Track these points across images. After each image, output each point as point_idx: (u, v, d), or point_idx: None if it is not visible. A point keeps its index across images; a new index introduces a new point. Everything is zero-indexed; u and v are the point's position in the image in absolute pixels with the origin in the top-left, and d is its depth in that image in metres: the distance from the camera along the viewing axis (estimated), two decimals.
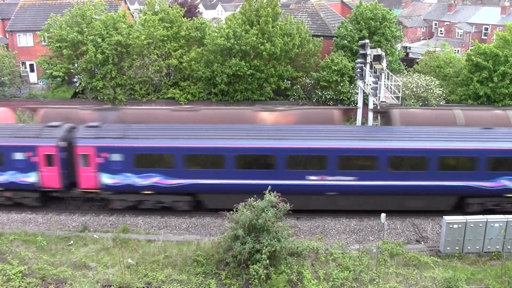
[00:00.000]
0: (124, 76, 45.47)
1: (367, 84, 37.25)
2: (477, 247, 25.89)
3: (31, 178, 30.36)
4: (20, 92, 51.62)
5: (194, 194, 30.49)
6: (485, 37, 77.62)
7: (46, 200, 31.57)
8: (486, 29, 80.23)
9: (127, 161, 29.58)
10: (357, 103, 42.28)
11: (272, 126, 32.54)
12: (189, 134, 30.40)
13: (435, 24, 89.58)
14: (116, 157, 29.63)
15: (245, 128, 31.41)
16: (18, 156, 30.20)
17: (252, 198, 24.00)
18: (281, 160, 29.37)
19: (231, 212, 23.97)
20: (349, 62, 44.99)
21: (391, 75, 38.74)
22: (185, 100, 45.52)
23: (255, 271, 22.15)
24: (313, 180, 29.53)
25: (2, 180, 30.65)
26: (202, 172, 29.78)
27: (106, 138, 29.99)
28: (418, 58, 56.77)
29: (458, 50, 72.50)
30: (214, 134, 30.30)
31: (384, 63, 36.03)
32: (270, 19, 44.27)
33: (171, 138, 30.06)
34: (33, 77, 57.99)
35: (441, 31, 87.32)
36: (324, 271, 24.22)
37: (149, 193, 30.21)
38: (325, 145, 29.35)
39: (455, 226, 25.49)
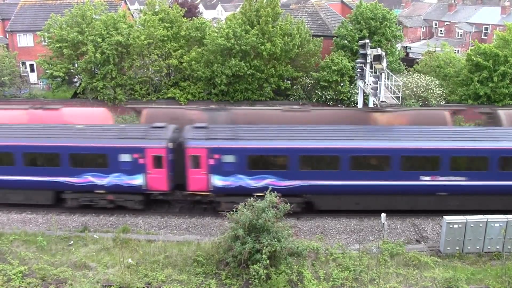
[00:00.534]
0: (124, 76, 45.49)
1: (367, 84, 37.26)
2: (477, 247, 25.88)
3: (137, 180, 29.61)
4: (20, 92, 51.63)
5: (304, 196, 30.12)
6: (485, 37, 77.62)
7: (148, 202, 31.01)
8: (486, 29, 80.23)
9: (239, 162, 29.11)
10: (357, 103, 42.33)
11: (385, 127, 32.59)
12: (302, 135, 30.12)
13: (435, 24, 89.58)
14: (228, 158, 29.11)
15: (358, 129, 31.43)
16: (125, 157, 29.43)
17: (252, 198, 24.02)
18: (396, 161, 29.30)
19: (231, 212, 23.99)
20: (349, 62, 45.00)
21: (391, 75, 38.73)
22: (185, 100, 45.54)
23: (255, 271, 22.14)
24: (426, 180, 29.52)
25: (106, 183, 29.89)
26: (315, 173, 29.44)
27: (217, 139, 29.53)
28: (418, 58, 56.80)
29: (458, 50, 72.50)
30: (329, 135, 30.15)
31: (384, 63, 36.04)
32: (270, 19, 44.28)
33: (285, 139, 29.69)
34: (33, 77, 58.00)
35: (441, 31, 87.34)
36: (324, 271, 24.22)
37: (260, 195, 29.91)
38: (439, 146, 29.41)
39: (455, 226, 25.48)
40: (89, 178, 30.00)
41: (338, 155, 29.26)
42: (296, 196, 29.63)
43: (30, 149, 30.26)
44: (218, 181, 29.40)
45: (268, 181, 29.19)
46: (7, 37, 59.44)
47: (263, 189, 28.49)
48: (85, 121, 33.03)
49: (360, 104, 41.41)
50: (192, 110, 34.73)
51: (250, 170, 29.22)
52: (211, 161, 29.09)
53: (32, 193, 30.98)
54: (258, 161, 29.39)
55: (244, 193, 29.00)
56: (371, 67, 37.33)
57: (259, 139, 29.72)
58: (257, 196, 25.01)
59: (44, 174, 30.24)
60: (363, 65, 38.39)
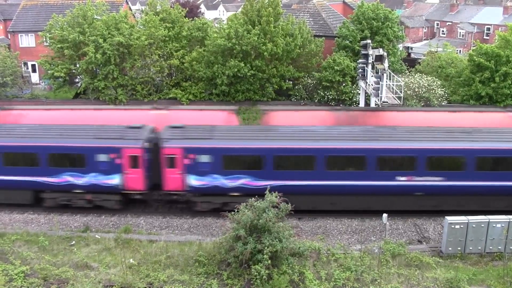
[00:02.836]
0: (125, 77, 45.46)
1: (369, 84, 37.27)
2: (479, 248, 25.87)
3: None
4: (22, 92, 51.65)
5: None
6: (487, 37, 77.51)
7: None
8: (488, 29, 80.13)
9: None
10: (359, 104, 42.34)
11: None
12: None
13: (437, 24, 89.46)
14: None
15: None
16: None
17: (253, 198, 24.04)
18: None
19: (232, 212, 24.01)
20: (351, 62, 44.95)
21: (393, 75, 38.73)
22: (187, 100, 45.53)
23: (257, 271, 22.16)
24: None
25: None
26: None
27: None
28: (420, 58, 56.70)
29: (460, 50, 72.36)
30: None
31: (386, 63, 36.09)
32: (272, 19, 44.23)
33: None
34: (35, 77, 58.02)
35: (443, 31, 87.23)
36: (326, 272, 24.23)
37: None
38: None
39: (457, 226, 25.48)
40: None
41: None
42: None
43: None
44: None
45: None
46: (9, 37, 59.50)
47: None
48: None
49: (362, 104, 41.44)
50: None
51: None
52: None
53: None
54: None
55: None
56: (373, 67, 37.38)
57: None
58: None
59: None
60: (365, 65, 38.43)
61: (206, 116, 38.59)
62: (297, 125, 33.94)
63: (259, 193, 26.33)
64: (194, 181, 29.66)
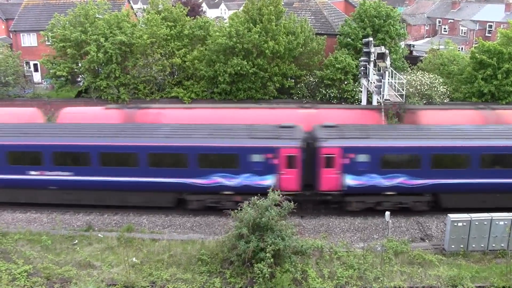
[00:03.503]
0: (127, 76, 45.51)
1: (371, 82, 37.23)
2: (482, 245, 25.83)
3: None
4: (24, 92, 51.71)
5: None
6: (489, 35, 77.35)
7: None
8: (490, 26, 79.94)
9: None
10: (361, 101, 42.30)
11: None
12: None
13: (439, 22, 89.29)
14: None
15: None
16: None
17: (256, 197, 24.03)
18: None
19: (236, 211, 24.01)
20: (353, 60, 44.91)
21: (395, 73, 38.67)
22: (189, 99, 45.54)
23: (259, 270, 22.16)
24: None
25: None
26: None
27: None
28: (422, 56, 56.64)
29: (462, 48, 72.26)
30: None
31: (388, 61, 36.03)
32: (273, 17, 44.21)
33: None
34: (37, 76, 58.09)
35: (445, 28, 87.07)
36: (329, 270, 24.22)
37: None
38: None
39: (460, 224, 25.44)
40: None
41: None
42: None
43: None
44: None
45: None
46: (11, 36, 59.55)
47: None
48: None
49: (364, 103, 41.41)
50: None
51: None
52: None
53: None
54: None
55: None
56: (374, 65, 37.33)
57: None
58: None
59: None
60: (367, 63, 38.38)
61: (353, 115, 37.57)
62: (446, 124, 33.51)
63: (414, 191, 28.86)
64: (351, 180, 29.33)
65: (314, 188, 30.06)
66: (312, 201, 30.89)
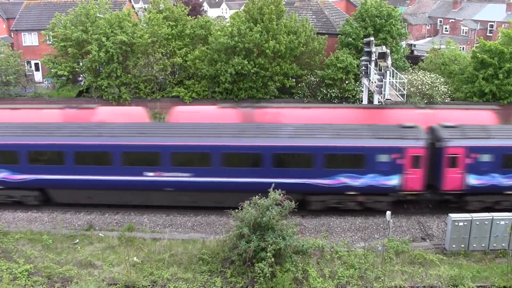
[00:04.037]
0: (129, 75, 45.55)
1: (372, 82, 37.21)
2: (483, 245, 25.82)
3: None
4: (26, 91, 51.79)
5: None
6: (491, 34, 77.27)
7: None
8: (492, 26, 79.84)
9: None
10: (362, 101, 42.29)
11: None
12: None
13: (440, 22, 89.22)
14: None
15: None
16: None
17: (257, 196, 24.04)
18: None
19: (236, 210, 24.01)
20: (354, 60, 44.91)
21: (396, 73, 38.65)
22: (190, 98, 45.58)
23: (260, 269, 22.15)
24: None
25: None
26: None
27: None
28: (423, 56, 56.64)
29: (463, 47, 72.20)
30: None
31: (389, 61, 35.98)
32: (274, 16, 44.23)
33: None
34: (38, 76, 58.17)
35: (446, 28, 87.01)
36: (330, 269, 24.21)
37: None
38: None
39: (461, 223, 25.43)
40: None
41: None
42: None
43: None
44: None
45: None
46: (12, 36, 59.60)
47: None
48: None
49: (365, 102, 41.38)
50: None
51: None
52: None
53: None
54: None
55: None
56: (376, 64, 37.28)
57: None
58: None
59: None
60: (368, 62, 38.35)
61: (466, 116, 36.30)
62: None
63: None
64: (473, 180, 29.39)
65: (436, 188, 29.99)
66: (431, 200, 30.94)
